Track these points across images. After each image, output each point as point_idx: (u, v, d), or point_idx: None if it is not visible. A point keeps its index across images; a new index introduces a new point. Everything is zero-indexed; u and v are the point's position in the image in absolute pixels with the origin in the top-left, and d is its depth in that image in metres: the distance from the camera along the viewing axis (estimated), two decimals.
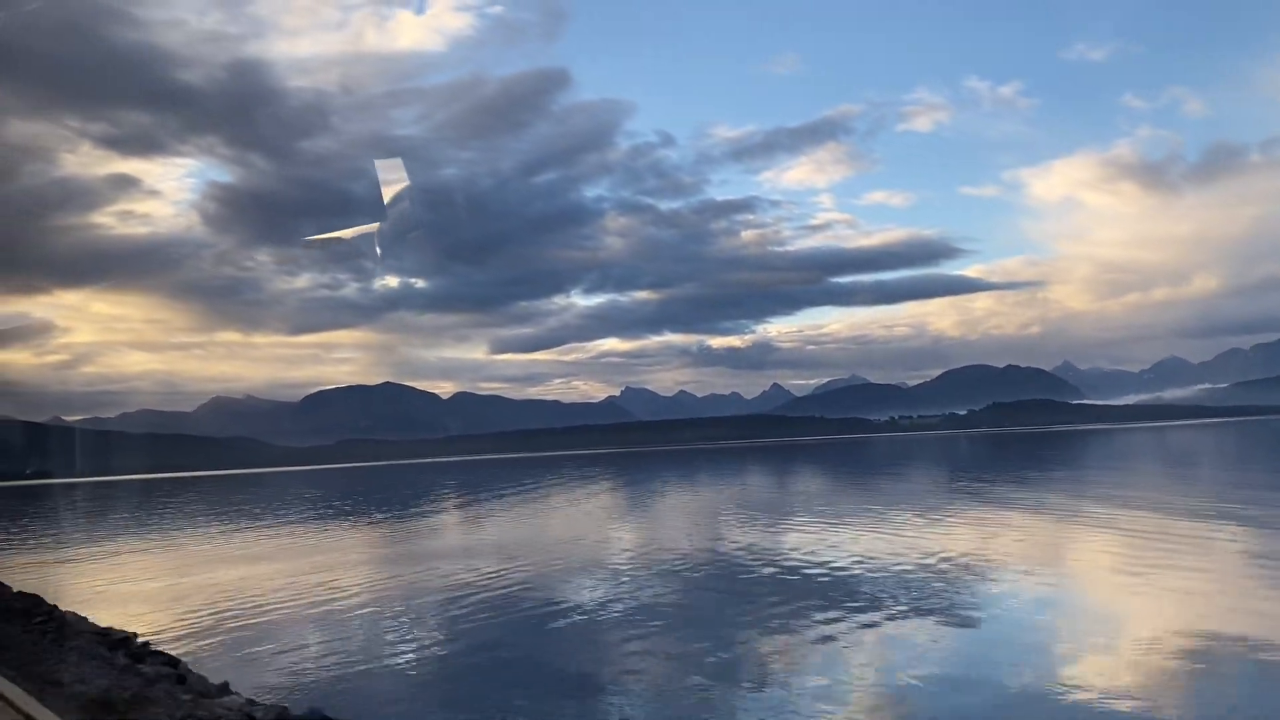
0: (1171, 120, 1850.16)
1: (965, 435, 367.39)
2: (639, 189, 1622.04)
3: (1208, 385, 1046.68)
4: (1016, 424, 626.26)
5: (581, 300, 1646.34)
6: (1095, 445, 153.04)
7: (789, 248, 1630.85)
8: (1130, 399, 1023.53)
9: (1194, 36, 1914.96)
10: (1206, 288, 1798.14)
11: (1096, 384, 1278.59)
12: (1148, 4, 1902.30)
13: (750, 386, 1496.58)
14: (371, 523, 61.28)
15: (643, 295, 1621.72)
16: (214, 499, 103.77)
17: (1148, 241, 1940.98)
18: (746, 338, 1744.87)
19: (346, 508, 76.81)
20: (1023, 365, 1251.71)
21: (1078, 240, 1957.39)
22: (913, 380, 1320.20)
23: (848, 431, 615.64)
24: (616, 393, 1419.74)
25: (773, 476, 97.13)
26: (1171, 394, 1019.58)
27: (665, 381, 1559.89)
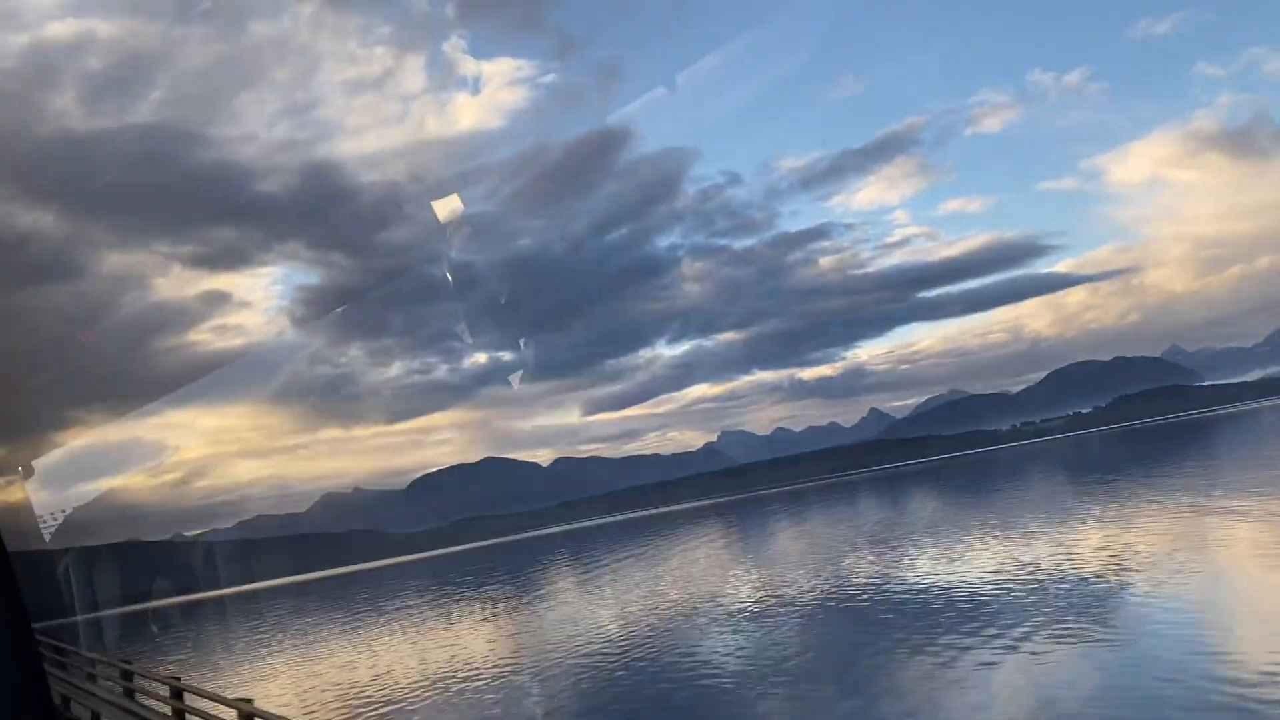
0: (1252, 83, 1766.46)
1: (1100, 434, 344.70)
2: (711, 231, 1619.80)
3: None
4: (1145, 415, 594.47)
5: (667, 350, 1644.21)
6: (1255, 428, 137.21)
7: (869, 269, 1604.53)
8: (1255, 374, 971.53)
9: None
10: None
11: (1211, 364, 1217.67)
12: None
13: (847, 414, 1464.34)
14: (522, 604, 56.43)
15: (727, 337, 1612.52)
16: (361, 600, 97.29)
17: (1244, 211, 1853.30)
18: (837, 365, 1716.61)
19: (502, 593, 69.71)
20: (1129, 355, 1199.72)
21: (1168, 220, 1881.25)
22: (1016, 386, 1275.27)
23: (967, 447, 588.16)
24: (713, 438, 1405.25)
25: (929, 508, 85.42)
26: None
27: (760, 420, 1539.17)
